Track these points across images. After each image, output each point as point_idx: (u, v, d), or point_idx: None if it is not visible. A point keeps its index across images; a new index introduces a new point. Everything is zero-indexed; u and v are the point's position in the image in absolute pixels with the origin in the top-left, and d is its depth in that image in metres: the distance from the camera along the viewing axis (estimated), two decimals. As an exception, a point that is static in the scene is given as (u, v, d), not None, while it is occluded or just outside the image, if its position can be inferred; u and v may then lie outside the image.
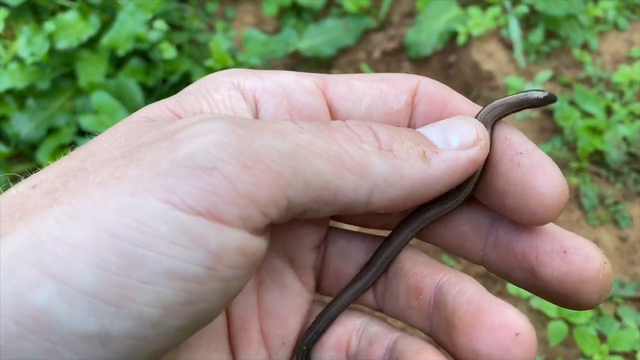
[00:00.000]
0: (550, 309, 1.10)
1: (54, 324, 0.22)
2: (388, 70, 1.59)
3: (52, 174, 0.27)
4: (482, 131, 0.30)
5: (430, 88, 0.33)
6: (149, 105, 0.30)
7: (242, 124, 0.26)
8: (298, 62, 1.61)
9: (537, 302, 1.13)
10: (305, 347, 0.33)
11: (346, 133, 0.28)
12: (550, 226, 0.30)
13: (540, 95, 0.32)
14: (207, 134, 0.25)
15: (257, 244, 0.26)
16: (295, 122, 0.28)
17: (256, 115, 0.31)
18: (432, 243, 0.35)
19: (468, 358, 0.28)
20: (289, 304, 0.34)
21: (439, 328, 0.31)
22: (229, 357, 0.34)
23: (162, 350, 0.25)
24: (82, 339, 0.23)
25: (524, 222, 0.30)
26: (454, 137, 0.29)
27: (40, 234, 0.23)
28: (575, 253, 0.29)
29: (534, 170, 0.29)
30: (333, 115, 0.32)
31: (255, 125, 0.26)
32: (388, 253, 0.33)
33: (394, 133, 0.29)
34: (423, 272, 0.32)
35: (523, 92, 0.33)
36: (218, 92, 0.30)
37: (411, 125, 0.33)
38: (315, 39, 1.58)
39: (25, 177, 0.28)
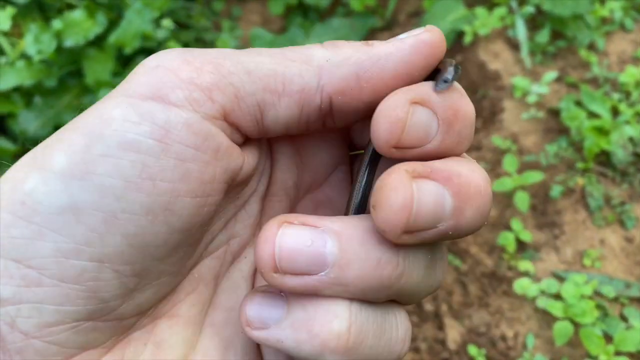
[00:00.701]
0: (555, 309, 1.10)
1: (36, 205, 0.26)
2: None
3: None
4: (429, 26, 0.31)
5: None
6: None
7: None
8: (304, 61, 1.61)
9: (543, 302, 1.13)
10: None
11: (293, 46, 0.30)
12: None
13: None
14: (160, 51, 0.30)
15: (210, 129, 0.28)
16: None
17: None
18: None
19: None
20: None
21: None
22: None
23: (139, 237, 0.27)
24: (58, 215, 0.26)
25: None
26: (401, 35, 0.31)
27: (39, 146, 0.28)
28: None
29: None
30: None
31: None
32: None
33: (341, 41, 0.31)
34: None
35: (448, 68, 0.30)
36: None
37: None
38: (321, 38, 1.58)
39: None
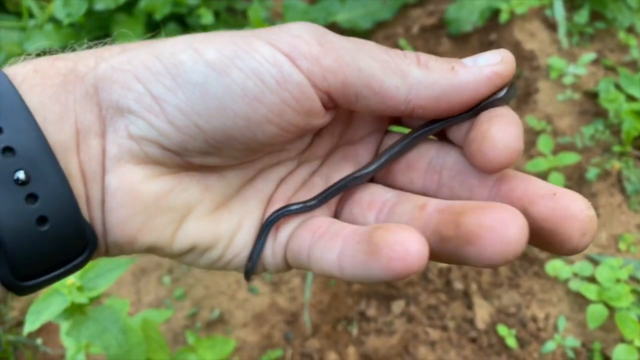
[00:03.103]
0: (590, 291, 1.08)
1: (182, 72, 0.34)
2: (426, 46, 1.56)
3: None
4: (506, 54, 0.37)
5: None
6: None
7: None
8: (334, 35, 1.58)
9: (576, 284, 1.11)
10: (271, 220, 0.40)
11: (397, 52, 0.38)
12: (533, 178, 0.36)
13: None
14: (307, 24, 0.37)
15: (313, 94, 0.36)
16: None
17: None
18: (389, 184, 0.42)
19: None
20: None
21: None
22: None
23: (231, 130, 0.36)
24: (192, 85, 0.34)
25: (478, 166, 0.35)
26: (481, 58, 0.37)
27: (195, 35, 0.36)
28: (563, 195, 0.34)
29: (496, 119, 0.35)
30: None
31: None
32: (396, 149, 0.40)
33: (432, 56, 0.38)
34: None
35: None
36: None
37: None
38: (353, 11, 1.55)
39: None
